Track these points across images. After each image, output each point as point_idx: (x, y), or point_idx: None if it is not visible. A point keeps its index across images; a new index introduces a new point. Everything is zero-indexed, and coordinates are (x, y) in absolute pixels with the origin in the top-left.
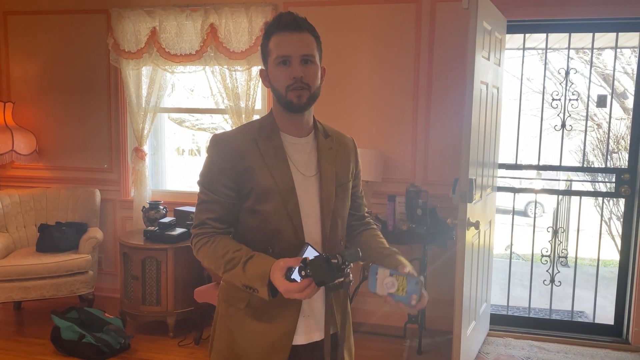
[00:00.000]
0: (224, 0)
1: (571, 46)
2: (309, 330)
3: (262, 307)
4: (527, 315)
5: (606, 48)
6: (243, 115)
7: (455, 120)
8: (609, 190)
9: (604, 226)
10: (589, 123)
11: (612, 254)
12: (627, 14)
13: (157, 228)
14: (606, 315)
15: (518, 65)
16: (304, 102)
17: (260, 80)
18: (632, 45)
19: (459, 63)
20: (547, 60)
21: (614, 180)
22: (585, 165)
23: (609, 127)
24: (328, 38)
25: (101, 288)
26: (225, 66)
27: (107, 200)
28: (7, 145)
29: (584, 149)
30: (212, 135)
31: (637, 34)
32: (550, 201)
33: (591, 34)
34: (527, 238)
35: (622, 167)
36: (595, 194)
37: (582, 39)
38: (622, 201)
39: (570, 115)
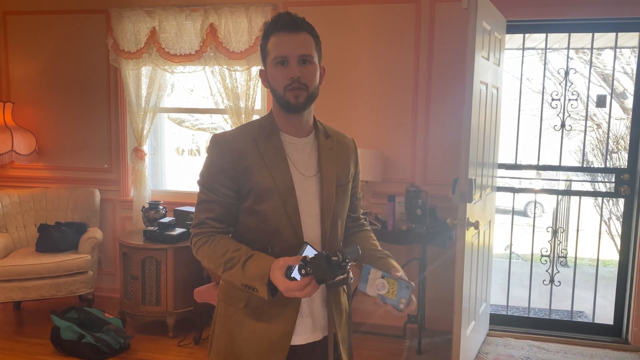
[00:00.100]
0: (224, 1)
1: (571, 46)
2: (307, 331)
3: (260, 306)
4: (526, 315)
5: (606, 48)
6: (243, 115)
7: (454, 120)
8: (608, 190)
9: (604, 226)
10: (589, 123)
11: (611, 253)
12: (626, 14)
13: (156, 228)
14: (606, 315)
15: (518, 65)
16: (301, 103)
17: (260, 80)
18: (632, 45)
19: (458, 63)
20: (546, 60)
21: (613, 180)
22: (584, 165)
23: (609, 127)
24: (328, 38)
25: (101, 288)
26: (225, 66)
27: (107, 200)
28: (6, 145)
29: (584, 149)
30: (211, 135)
31: (637, 34)
32: (549, 201)
33: (591, 34)
34: (526, 238)
35: (622, 167)
36: (594, 194)
37: (581, 39)
38: (621, 201)
39: (569, 115)
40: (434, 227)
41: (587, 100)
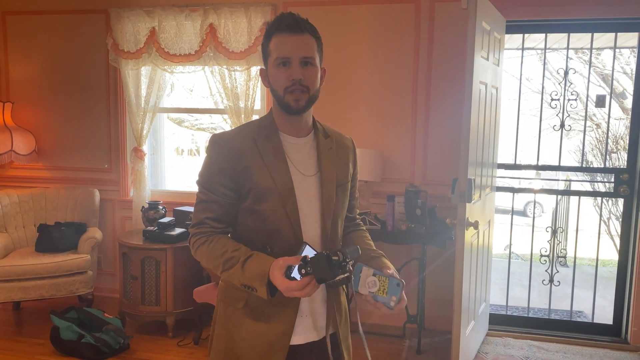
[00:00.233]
0: (223, 1)
1: (570, 46)
2: (307, 330)
3: (259, 306)
4: (526, 315)
5: (605, 48)
6: (242, 115)
7: (454, 120)
8: (607, 190)
9: (603, 226)
10: (588, 123)
11: (611, 253)
12: (626, 14)
13: (156, 228)
14: (605, 315)
15: (517, 65)
16: (302, 106)
17: (260, 79)
18: (631, 45)
19: (458, 63)
20: (546, 60)
21: (612, 180)
22: (584, 165)
23: (608, 127)
24: (327, 38)
25: (100, 288)
26: (225, 66)
27: (107, 200)
28: (6, 145)
29: (583, 149)
30: (211, 135)
31: (636, 34)
32: (549, 201)
33: (590, 34)
34: (526, 238)
35: (621, 167)
36: (594, 193)
37: (581, 39)
38: (621, 201)
39: (569, 115)
40: (433, 227)
41: (587, 100)
